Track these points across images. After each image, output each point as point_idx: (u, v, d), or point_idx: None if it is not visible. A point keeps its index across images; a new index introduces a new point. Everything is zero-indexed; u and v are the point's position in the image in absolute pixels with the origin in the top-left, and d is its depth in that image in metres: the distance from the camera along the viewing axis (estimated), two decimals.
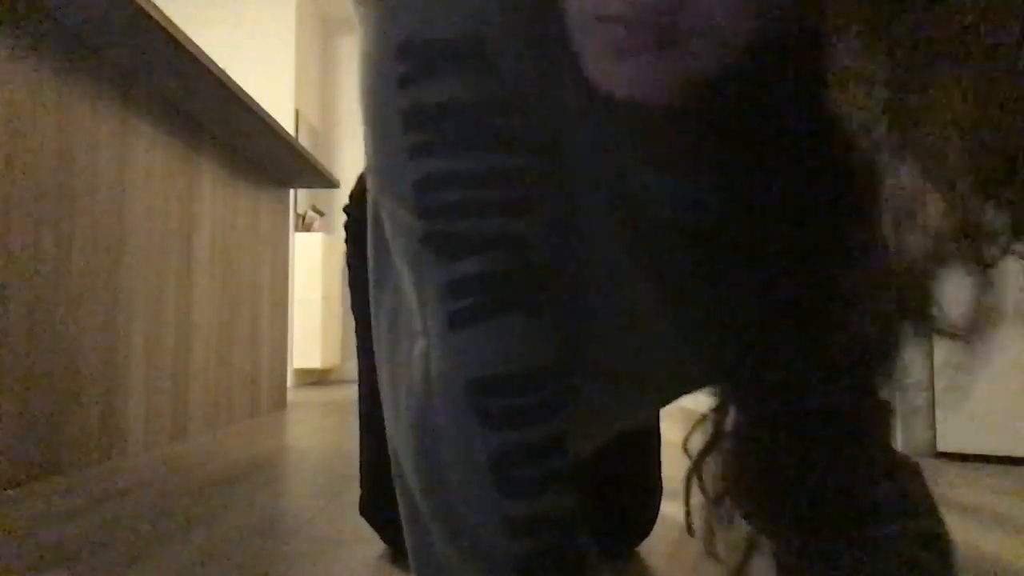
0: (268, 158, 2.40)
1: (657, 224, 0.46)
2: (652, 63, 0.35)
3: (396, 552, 0.86)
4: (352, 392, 3.71)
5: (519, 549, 0.40)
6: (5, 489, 1.23)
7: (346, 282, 5.09)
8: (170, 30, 1.46)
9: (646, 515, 0.88)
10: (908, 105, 0.30)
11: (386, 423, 0.46)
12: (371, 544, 0.91)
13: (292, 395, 3.48)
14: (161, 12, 1.42)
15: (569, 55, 0.39)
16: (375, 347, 0.48)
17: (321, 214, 4.55)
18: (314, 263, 4.11)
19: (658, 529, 0.88)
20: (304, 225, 4.31)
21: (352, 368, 4.79)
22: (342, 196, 4.80)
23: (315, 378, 4.47)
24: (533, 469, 0.40)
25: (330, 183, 2.79)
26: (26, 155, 1.31)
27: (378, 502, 0.86)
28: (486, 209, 0.40)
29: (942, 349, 1.59)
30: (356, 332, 0.88)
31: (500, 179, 0.40)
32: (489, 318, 0.40)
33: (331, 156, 4.88)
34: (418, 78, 0.39)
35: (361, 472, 0.88)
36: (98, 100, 1.55)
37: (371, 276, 0.48)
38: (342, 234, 4.82)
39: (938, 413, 1.59)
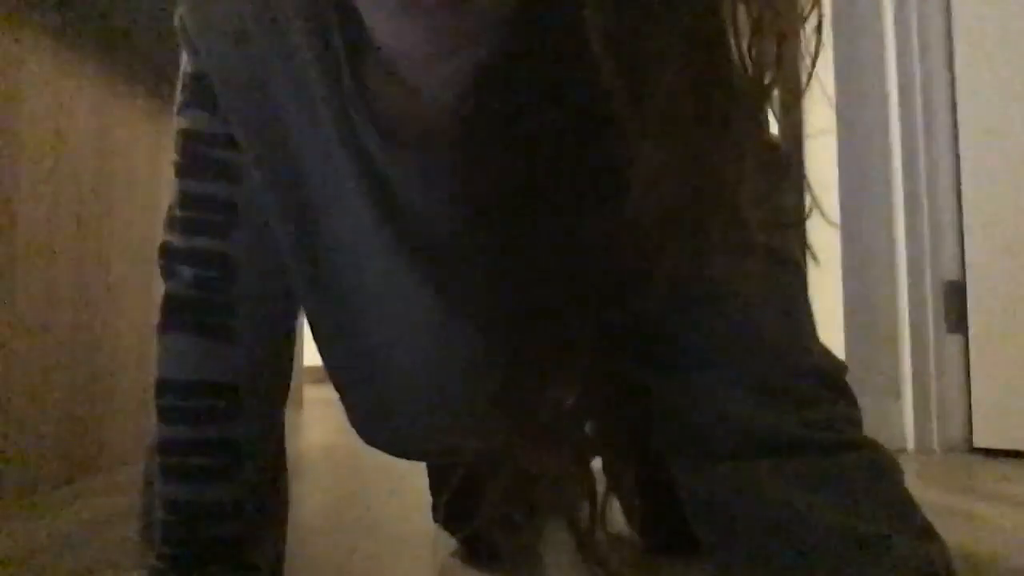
0: None
1: (429, 234, 0.47)
2: (443, 18, 0.36)
3: (471, 551, 0.86)
4: None
5: (170, 526, 0.48)
6: (55, 488, 1.22)
7: None
8: None
9: None
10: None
11: None
12: (443, 543, 0.90)
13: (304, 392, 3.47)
14: None
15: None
16: None
17: None
18: None
19: None
20: None
21: None
22: None
23: (319, 376, 4.44)
24: (191, 461, 0.48)
25: None
26: (69, 157, 1.30)
27: (453, 504, 0.86)
28: (195, 228, 0.48)
29: (978, 341, 1.60)
30: None
31: (211, 203, 0.47)
32: (164, 334, 0.50)
33: None
34: (182, 107, 0.48)
35: (429, 476, 0.88)
36: (134, 100, 1.54)
37: None
38: None
39: (974, 407, 1.60)
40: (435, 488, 0.87)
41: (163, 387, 0.49)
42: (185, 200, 0.48)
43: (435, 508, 0.87)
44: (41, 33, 1.22)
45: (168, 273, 0.50)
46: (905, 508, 0.40)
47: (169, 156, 0.47)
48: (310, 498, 1.19)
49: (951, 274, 1.65)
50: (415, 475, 1.35)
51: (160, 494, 0.49)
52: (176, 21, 0.46)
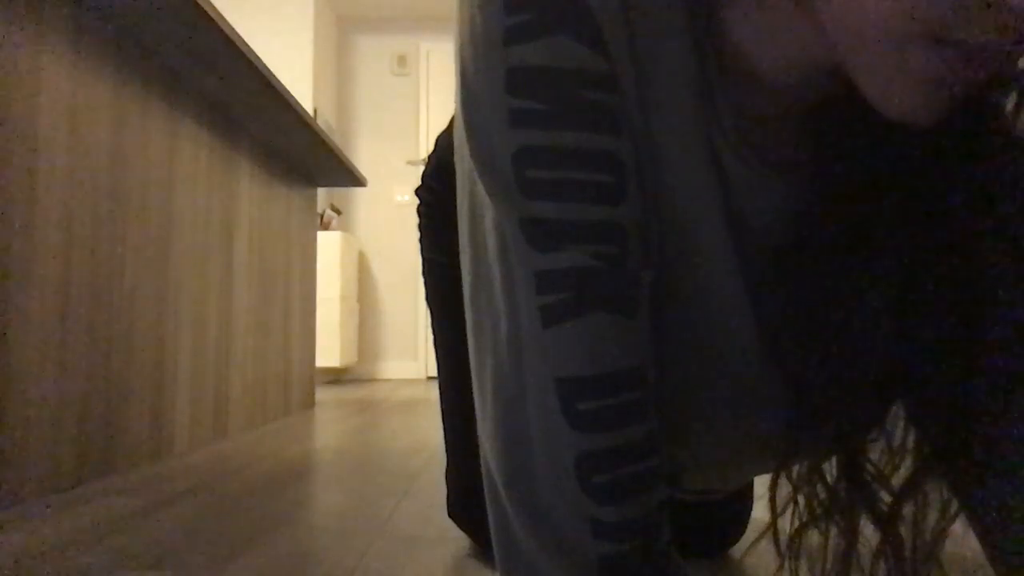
0: (301, 156, 2.39)
1: (755, 232, 0.44)
2: (945, 89, 0.32)
3: (486, 550, 0.86)
4: (373, 391, 3.70)
5: (604, 550, 0.38)
6: (71, 488, 1.23)
7: (361, 281, 4.99)
8: (222, 25, 1.45)
9: (738, 521, 0.87)
10: None
11: (475, 406, 0.45)
12: (457, 542, 0.90)
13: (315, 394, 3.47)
14: (214, 7, 1.42)
15: (681, 26, 0.39)
16: (466, 323, 0.45)
17: (338, 212, 4.54)
18: (332, 262, 4.10)
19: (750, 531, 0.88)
20: (322, 223, 4.30)
21: (368, 368, 4.79)
22: (360, 194, 4.79)
23: (332, 376, 4.46)
24: (620, 472, 0.38)
25: (358, 181, 2.78)
26: (85, 156, 1.31)
27: (469, 503, 0.85)
28: (586, 194, 0.37)
29: None
30: (433, 327, 0.88)
31: (600, 161, 0.37)
32: (580, 316, 0.38)
33: (347, 154, 4.87)
34: (527, 35, 0.36)
35: (448, 473, 0.87)
36: (148, 100, 1.54)
37: (460, 245, 0.45)
38: (359, 232, 4.83)
39: None
40: (451, 477, 0.87)
41: (572, 387, 0.38)
42: (559, 157, 0.37)
43: (449, 499, 0.87)
44: (58, 41, 1.23)
45: (545, 246, 0.38)
46: None
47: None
48: (323, 498, 1.19)
49: None
50: (427, 475, 1.35)
51: (593, 518, 0.38)
52: None
